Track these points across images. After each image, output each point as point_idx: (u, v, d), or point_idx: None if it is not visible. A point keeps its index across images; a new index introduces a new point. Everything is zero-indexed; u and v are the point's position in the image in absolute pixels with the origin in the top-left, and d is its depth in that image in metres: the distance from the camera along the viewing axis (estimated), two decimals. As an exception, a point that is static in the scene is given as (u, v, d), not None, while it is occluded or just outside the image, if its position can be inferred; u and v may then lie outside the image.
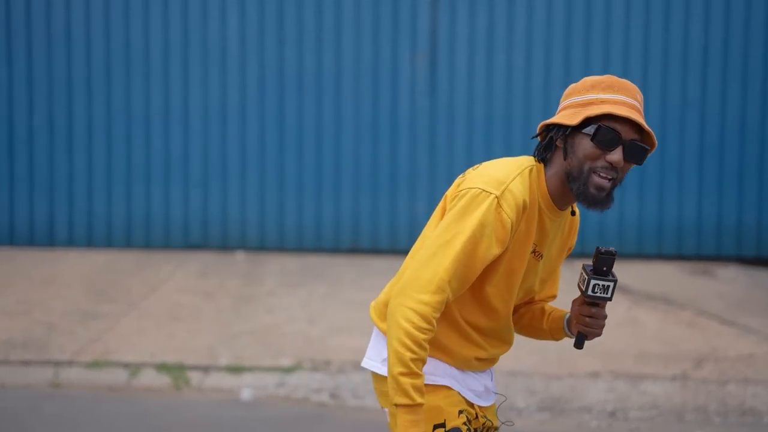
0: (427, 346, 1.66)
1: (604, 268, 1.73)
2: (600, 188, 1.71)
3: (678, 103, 7.03)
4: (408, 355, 1.63)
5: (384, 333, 1.86)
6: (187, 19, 7.13)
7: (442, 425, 1.76)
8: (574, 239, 1.97)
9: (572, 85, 1.78)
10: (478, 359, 1.88)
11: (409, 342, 1.64)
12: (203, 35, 7.14)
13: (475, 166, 1.82)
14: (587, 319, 1.80)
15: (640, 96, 1.73)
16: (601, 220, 7.08)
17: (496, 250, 1.70)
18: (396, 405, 1.64)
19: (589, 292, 1.75)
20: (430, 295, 1.65)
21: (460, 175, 1.82)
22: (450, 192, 1.81)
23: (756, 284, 6.43)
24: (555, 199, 1.78)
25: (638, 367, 4.73)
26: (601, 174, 1.70)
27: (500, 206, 1.69)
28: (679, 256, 7.06)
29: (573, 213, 1.88)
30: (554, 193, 1.77)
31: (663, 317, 5.63)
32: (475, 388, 1.89)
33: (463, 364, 1.86)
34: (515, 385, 4.53)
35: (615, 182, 1.72)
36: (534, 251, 1.81)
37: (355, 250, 7.31)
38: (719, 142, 7.01)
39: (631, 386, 4.51)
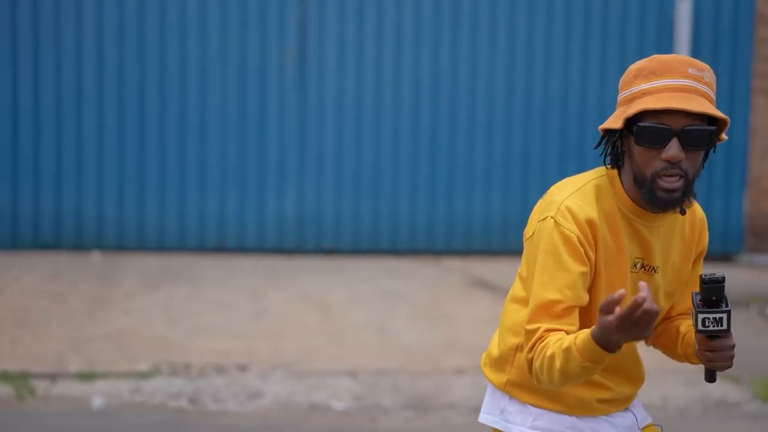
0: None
1: (713, 298, 1.51)
2: (669, 191, 1.53)
3: (541, 103, 7.21)
4: (562, 366, 1.49)
5: (499, 387, 1.72)
6: (37, 8, 6.71)
7: None
8: (704, 240, 1.72)
9: (623, 76, 1.61)
10: (601, 401, 1.69)
11: (557, 369, 1.50)
12: (56, 24, 6.73)
13: (548, 190, 1.70)
14: (708, 353, 1.56)
15: (694, 68, 1.52)
16: (468, 218, 7.19)
17: (580, 268, 1.55)
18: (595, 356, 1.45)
19: (700, 327, 1.53)
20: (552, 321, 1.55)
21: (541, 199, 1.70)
22: (532, 216, 1.69)
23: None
24: (643, 204, 1.59)
25: (501, 363, 4.78)
26: (665, 175, 1.52)
27: (559, 224, 1.57)
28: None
29: (683, 212, 1.60)
30: (638, 198, 1.59)
31: (526, 313, 5.74)
32: None
33: (582, 410, 1.68)
34: (381, 385, 4.48)
35: (687, 178, 1.53)
36: (641, 266, 1.63)
37: (220, 249, 7.09)
38: (579, 142, 7.23)
39: (495, 382, 4.55)
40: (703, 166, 1.58)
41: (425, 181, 7.20)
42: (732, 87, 7.21)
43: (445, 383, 4.53)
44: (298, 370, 4.58)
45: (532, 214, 1.70)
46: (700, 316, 1.52)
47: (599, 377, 1.64)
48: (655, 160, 1.52)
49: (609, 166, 1.64)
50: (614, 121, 1.58)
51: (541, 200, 1.69)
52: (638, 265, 1.64)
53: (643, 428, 1.78)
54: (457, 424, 4.14)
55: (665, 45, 7.12)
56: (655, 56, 1.58)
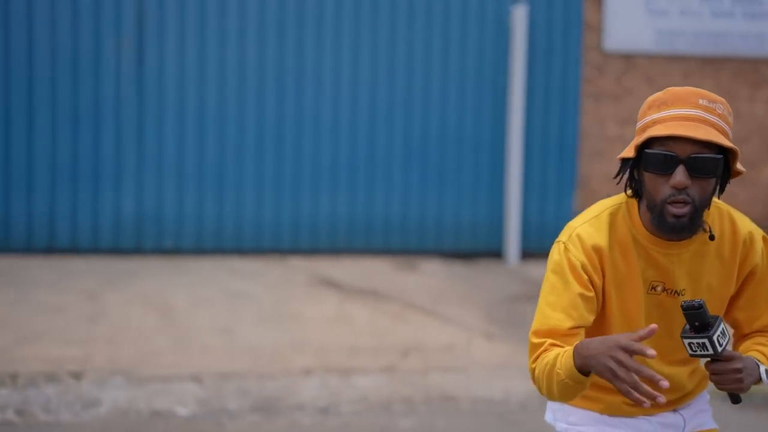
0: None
1: (696, 324, 1.54)
2: (676, 216, 1.58)
3: (385, 104, 7.28)
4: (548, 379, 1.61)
5: None
6: None
7: None
8: (754, 258, 1.71)
9: (641, 108, 1.68)
10: (629, 404, 1.76)
11: (543, 369, 1.62)
12: None
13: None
14: (712, 377, 1.60)
15: (706, 100, 1.58)
16: (314, 217, 7.14)
17: (584, 292, 1.64)
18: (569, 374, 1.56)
19: (689, 352, 1.58)
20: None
21: None
22: None
23: (454, 277, 6.86)
24: (657, 232, 1.65)
25: (350, 362, 4.78)
26: (673, 202, 1.57)
27: (567, 250, 1.67)
28: (386, 251, 7.33)
29: (712, 237, 1.66)
30: (654, 227, 1.64)
31: (372, 311, 5.77)
32: (646, 429, 1.81)
33: (612, 410, 1.79)
34: (227, 388, 4.36)
35: (695, 204, 1.57)
36: (663, 289, 1.68)
37: (51, 249, 6.66)
38: (422, 144, 7.37)
39: (343, 381, 4.54)
40: (716, 195, 1.63)
41: (271, 179, 7.09)
42: (564, 91, 7.60)
43: (293, 384, 4.47)
44: (139, 376, 4.37)
45: None
46: (686, 341, 1.57)
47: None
48: (664, 187, 1.57)
49: (629, 194, 1.69)
50: (628, 150, 1.63)
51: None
52: (658, 288, 1.70)
53: None
54: (305, 425, 4.09)
55: (502, 50, 7.40)
56: (670, 88, 1.64)
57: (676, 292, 1.69)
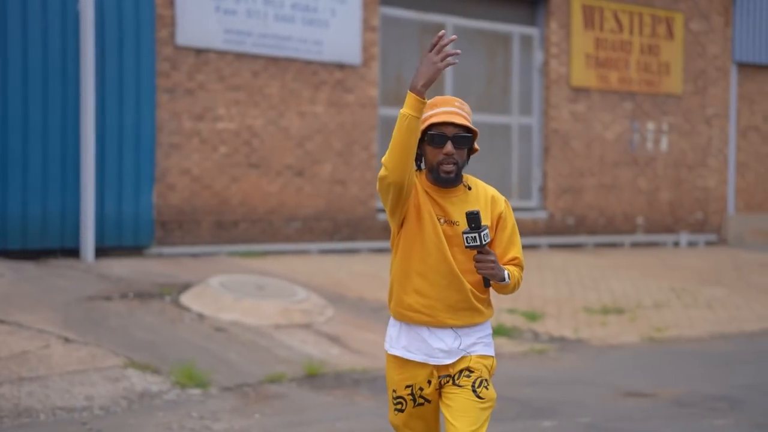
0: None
1: (473, 225, 2.41)
2: (447, 172, 2.51)
3: None
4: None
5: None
6: None
7: None
8: (498, 209, 2.59)
9: None
10: (416, 312, 2.58)
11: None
12: None
13: None
14: (476, 264, 2.46)
15: (458, 102, 2.54)
16: None
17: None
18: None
19: (465, 244, 2.43)
20: None
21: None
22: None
23: (23, 278, 6.38)
24: (435, 185, 2.54)
25: None
26: (444, 163, 2.50)
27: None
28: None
29: (469, 188, 2.59)
30: (432, 181, 2.55)
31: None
32: (427, 336, 2.57)
33: (407, 320, 2.59)
34: None
35: (459, 165, 2.51)
36: (444, 221, 2.54)
37: None
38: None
39: None
40: (468, 160, 2.56)
41: None
42: (138, 85, 7.51)
43: None
44: None
45: None
46: (464, 236, 2.43)
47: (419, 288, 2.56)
48: (439, 155, 2.50)
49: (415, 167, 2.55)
50: None
51: None
52: (441, 220, 2.54)
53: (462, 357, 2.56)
54: None
55: (71, 44, 7.07)
56: (436, 97, 2.57)
57: (452, 222, 2.54)
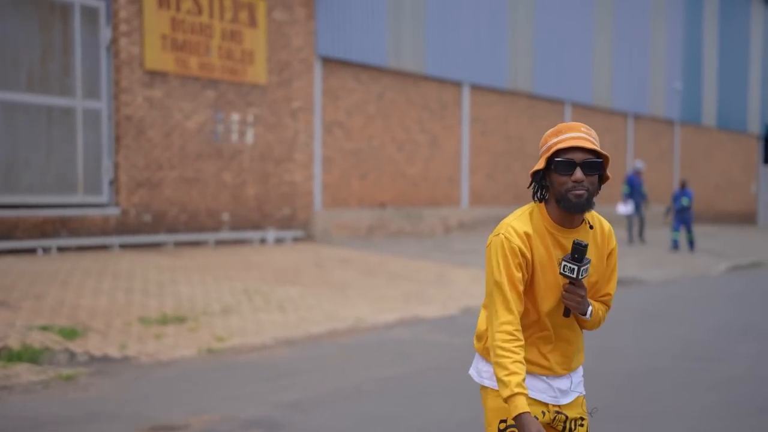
0: (519, 351, 2.28)
1: (576, 255, 2.33)
2: (578, 197, 2.37)
3: None
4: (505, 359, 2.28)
5: (480, 352, 2.55)
6: None
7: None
8: (611, 243, 2.51)
9: (541, 140, 2.46)
10: (541, 367, 2.51)
11: (501, 351, 2.28)
12: None
13: None
14: (564, 293, 2.40)
15: (585, 128, 2.42)
16: None
17: (518, 274, 2.36)
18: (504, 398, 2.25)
19: (560, 271, 2.35)
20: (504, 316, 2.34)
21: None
22: None
23: None
24: (561, 223, 2.43)
25: None
26: (574, 190, 2.36)
27: (507, 239, 2.38)
28: None
29: (591, 227, 2.47)
30: (558, 219, 2.43)
31: None
32: (542, 387, 2.50)
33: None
34: None
35: (589, 191, 2.37)
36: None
37: None
38: None
39: None
40: (600, 188, 2.43)
41: None
42: None
43: None
44: None
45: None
46: (563, 262, 2.35)
47: (539, 352, 2.48)
48: (568, 182, 2.38)
49: (537, 199, 2.47)
50: (538, 165, 2.40)
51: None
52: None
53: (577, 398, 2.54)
54: None
55: None
56: (560, 124, 2.46)
57: None
